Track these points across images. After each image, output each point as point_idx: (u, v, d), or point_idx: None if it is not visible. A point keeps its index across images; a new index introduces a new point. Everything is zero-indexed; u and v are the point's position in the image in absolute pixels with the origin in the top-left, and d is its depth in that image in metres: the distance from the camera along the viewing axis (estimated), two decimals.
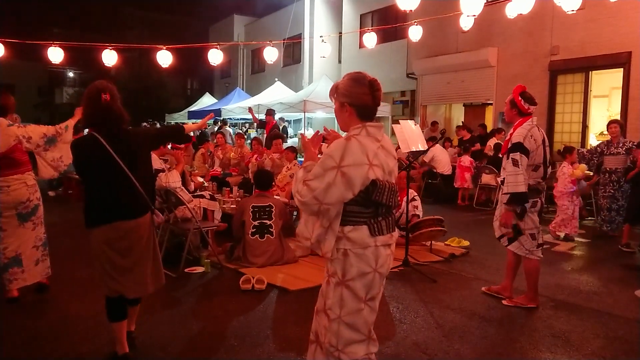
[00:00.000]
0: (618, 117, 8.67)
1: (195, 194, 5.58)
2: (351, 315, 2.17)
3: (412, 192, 6.32)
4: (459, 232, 6.55)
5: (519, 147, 3.81)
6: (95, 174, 2.86)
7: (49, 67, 24.45)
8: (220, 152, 8.94)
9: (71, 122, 4.15)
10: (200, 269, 4.96)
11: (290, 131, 16.56)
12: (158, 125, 18.55)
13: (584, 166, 6.97)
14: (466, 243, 6.15)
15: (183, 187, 5.18)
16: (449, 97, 13.58)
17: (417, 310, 3.99)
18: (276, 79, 17.45)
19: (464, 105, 14.16)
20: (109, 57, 8.32)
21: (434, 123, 12.62)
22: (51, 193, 9.78)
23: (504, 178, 3.92)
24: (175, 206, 5.13)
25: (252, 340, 3.38)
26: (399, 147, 5.73)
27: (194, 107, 19.88)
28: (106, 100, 2.85)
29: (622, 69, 9.43)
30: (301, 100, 12.69)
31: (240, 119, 17.68)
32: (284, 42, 17.25)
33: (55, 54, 8.15)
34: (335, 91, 2.26)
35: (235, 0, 25.05)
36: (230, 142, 12.37)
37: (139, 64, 25.21)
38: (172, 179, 4.98)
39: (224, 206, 5.96)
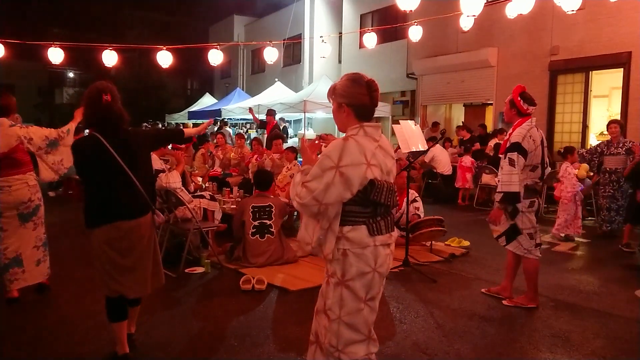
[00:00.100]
0: (618, 117, 8.67)
1: (195, 194, 5.58)
2: (351, 316, 2.17)
3: (414, 193, 6.33)
4: (459, 232, 6.55)
5: (517, 147, 3.83)
6: (96, 173, 2.86)
7: (49, 67, 24.46)
8: (221, 152, 8.94)
9: (72, 126, 4.15)
10: (200, 269, 4.96)
11: (290, 131, 16.57)
12: (160, 126, 18.58)
13: (586, 165, 6.97)
14: (466, 243, 6.15)
15: (183, 188, 5.19)
16: (449, 97, 13.58)
17: (417, 310, 3.99)
18: (276, 79, 17.45)
19: (464, 106, 14.16)
20: (109, 58, 8.32)
21: (435, 124, 12.60)
22: (51, 193, 9.78)
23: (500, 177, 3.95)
24: (176, 206, 5.14)
25: (252, 340, 3.38)
26: (399, 147, 5.73)
27: (194, 108, 19.90)
28: (107, 100, 2.85)
29: (622, 69, 9.43)
30: (301, 100, 12.70)
31: (241, 119, 17.69)
32: (284, 42, 17.25)
33: (55, 54, 8.15)
34: (333, 92, 2.26)
35: (235, 0, 25.09)
36: (230, 142, 12.37)
37: (139, 64, 25.21)
38: (172, 180, 4.98)
39: (224, 206, 5.96)
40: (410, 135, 5.45)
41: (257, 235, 5.10)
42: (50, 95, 31.60)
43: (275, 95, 15.49)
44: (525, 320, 3.85)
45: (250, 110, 12.22)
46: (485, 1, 6.14)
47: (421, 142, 5.52)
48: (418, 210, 6.08)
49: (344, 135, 2.23)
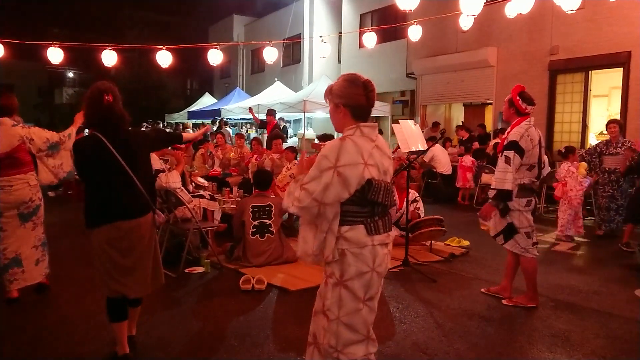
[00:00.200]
0: (618, 117, 8.67)
1: (195, 194, 5.58)
2: (350, 316, 2.17)
3: (414, 193, 6.32)
4: (459, 232, 6.55)
5: (514, 146, 3.84)
6: (96, 173, 2.87)
7: (48, 67, 24.49)
8: (220, 152, 8.94)
9: (73, 130, 4.15)
10: (200, 269, 4.96)
11: (290, 131, 16.56)
12: (160, 126, 18.58)
13: (584, 164, 6.98)
14: (466, 243, 6.15)
15: (183, 188, 5.19)
16: (449, 97, 13.58)
17: (417, 310, 3.99)
18: (276, 79, 17.45)
19: (463, 105, 14.16)
20: (109, 58, 8.32)
21: (436, 124, 12.60)
22: (51, 193, 9.78)
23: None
24: (175, 206, 5.14)
25: (252, 340, 3.39)
26: (398, 147, 5.73)
27: (194, 107, 19.89)
28: (109, 101, 2.86)
29: (621, 69, 9.43)
30: (301, 100, 12.69)
31: (240, 119, 17.68)
32: (283, 42, 17.25)
33: (55, 54, 8.15)
34: (329, 93, 2.27)
35: (235, 0, 25.08)
36: (230, 142, 12.38)
37: (139, 64, 25.21)
38: (172, 179, 4.98)
39: (223, 206, 5.96)
40: (410, 135, 5.45)
41: (257, 235, 5.11)
42: (50, 95, 31.61)
43: (275, 95, 15.48)
44: (525, 320, 3.86)
45: (251, 110, 12.22)
46: (485, 1, 6.13)
47: (421, 142, 5.51)
48: (419, 211, 6.09)
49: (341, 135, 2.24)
